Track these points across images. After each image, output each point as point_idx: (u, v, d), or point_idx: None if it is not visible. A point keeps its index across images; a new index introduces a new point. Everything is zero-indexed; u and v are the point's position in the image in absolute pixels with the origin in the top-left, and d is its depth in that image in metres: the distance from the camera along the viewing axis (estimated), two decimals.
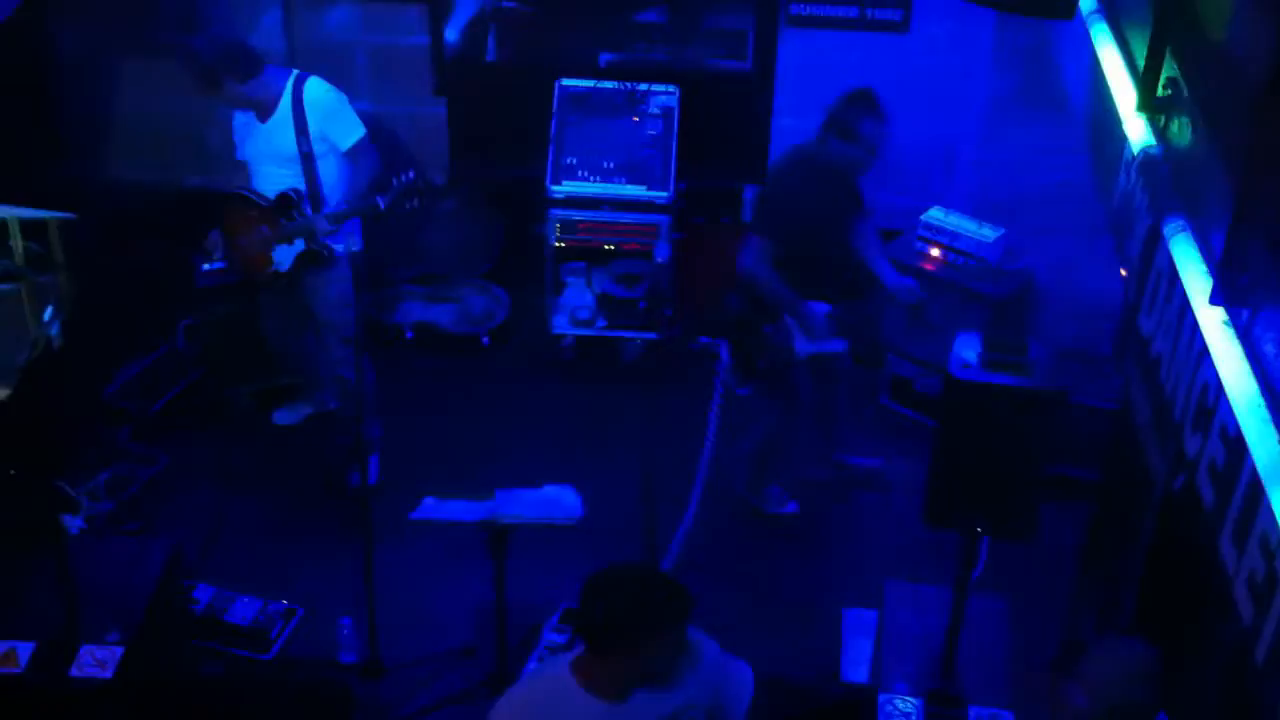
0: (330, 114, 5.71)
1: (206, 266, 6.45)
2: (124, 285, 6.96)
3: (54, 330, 5.98)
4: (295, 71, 5.77)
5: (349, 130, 5.75)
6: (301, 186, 5.71)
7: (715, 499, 6.12)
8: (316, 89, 5.72)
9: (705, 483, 5.84)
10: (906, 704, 4.32)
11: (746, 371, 5.77)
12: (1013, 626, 4.64)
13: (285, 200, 5.70)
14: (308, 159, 5.68)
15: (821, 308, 5.65)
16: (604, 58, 7.18)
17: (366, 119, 5.90)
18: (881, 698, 4.34)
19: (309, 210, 5.70)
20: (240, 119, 5.86)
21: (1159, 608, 4.38)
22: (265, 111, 5.70)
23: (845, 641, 5.31)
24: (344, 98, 5.82)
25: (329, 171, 5.75)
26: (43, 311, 5.93)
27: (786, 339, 5.66)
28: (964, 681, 4.37)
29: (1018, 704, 4.28)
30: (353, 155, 5.76)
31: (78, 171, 7.35)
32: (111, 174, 7.51)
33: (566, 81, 6.97)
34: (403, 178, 5.51)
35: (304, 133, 5.66)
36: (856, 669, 5.14)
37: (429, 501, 4.82)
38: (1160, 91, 4.48)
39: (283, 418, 6.68)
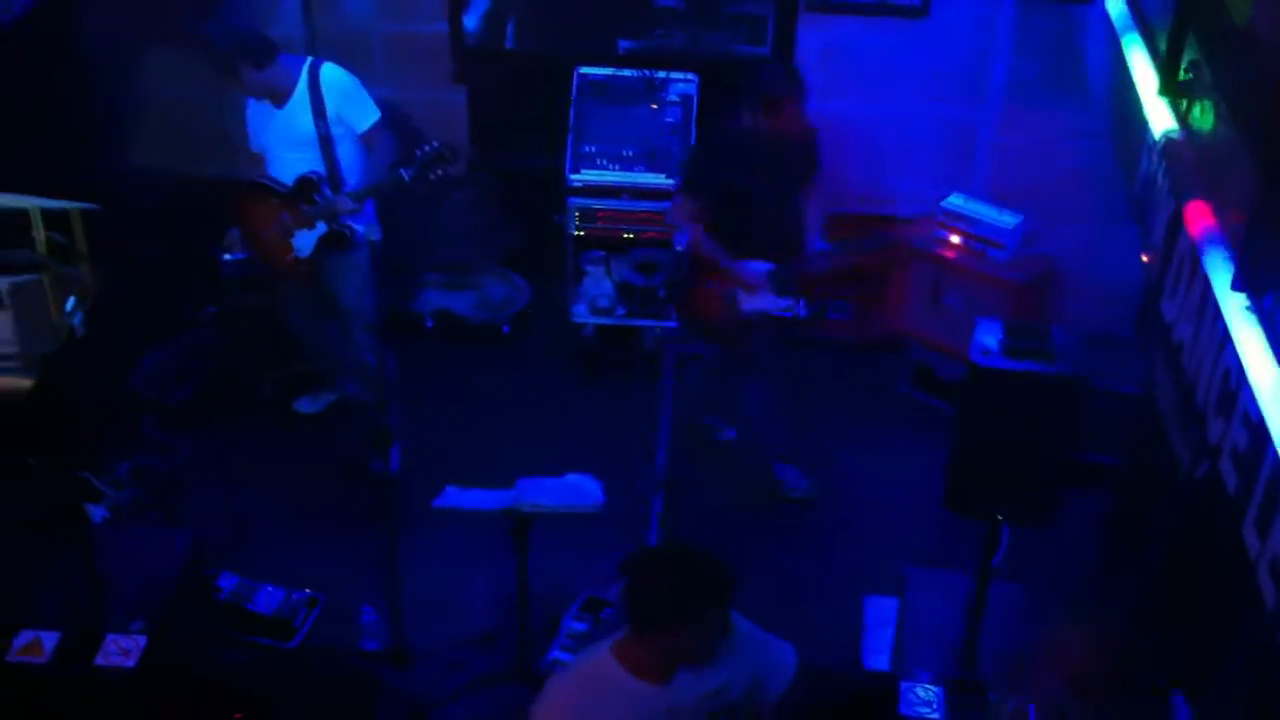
0: (347, 96, 5.75)
1: (230, 256, 6.47)
2: (148, 275, 6.98)
3: (77, 320, 6.00)
4: (310, 58, 5.81)
5: (365, 113, 5.79)
6: (321, 169, 5.73)
7: (731, 485, 6.15)
8: (333, 72, 5.77)
9: (669, 447, 5.96)
10: (928, 691, 4.32)
11: (699, 330, 5.92)
12: (1033, 613, 4.64)
13: (306, 184, 5.72)
14: (326, 141, 5.71)
15: (760, 266, 5.73)
16: (623, 45, 7.17)
17: (383, 106, 5.92)
18: (903, 685, 4.35)
19: (329, 192, 5.72)
20: (254, 107, 5.89)
21: (1182, 593, 4.36)
22: (281, 97, 5.72)
23: (866, 629, 5.31)
24: (358, 81, 5.85)
25: (348, 153, 5.78)
26: (65, 301, 5.95)
27: (731, 296, 5.76)
28: (984, 668, 4.38)
29: (1037, 690, 4.28)
30: (369, 138, 5.79)
31: (101, 162, 7.37)
32: (135, 164, 7.53)
33: (585, 69, 6.96)
34: (426, 148, 5.54)
35: (321, 115, 5.69)
36: (878, 656, 5.14)
37: (451, 490, 4.83)
38: (1182, 75, 4.45)
39: (305, 406, 6.71)
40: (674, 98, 6.94)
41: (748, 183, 5.68)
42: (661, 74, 6.95)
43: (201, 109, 7.22)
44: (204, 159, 7.40)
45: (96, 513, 5.86)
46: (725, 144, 5.79)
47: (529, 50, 7.45)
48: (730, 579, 3.38)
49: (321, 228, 5.77)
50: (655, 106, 6.92)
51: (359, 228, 5.85)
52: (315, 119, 5.71)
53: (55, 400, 5.60)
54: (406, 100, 7.27)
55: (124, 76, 7.43)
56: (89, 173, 7.02)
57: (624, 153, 6.83)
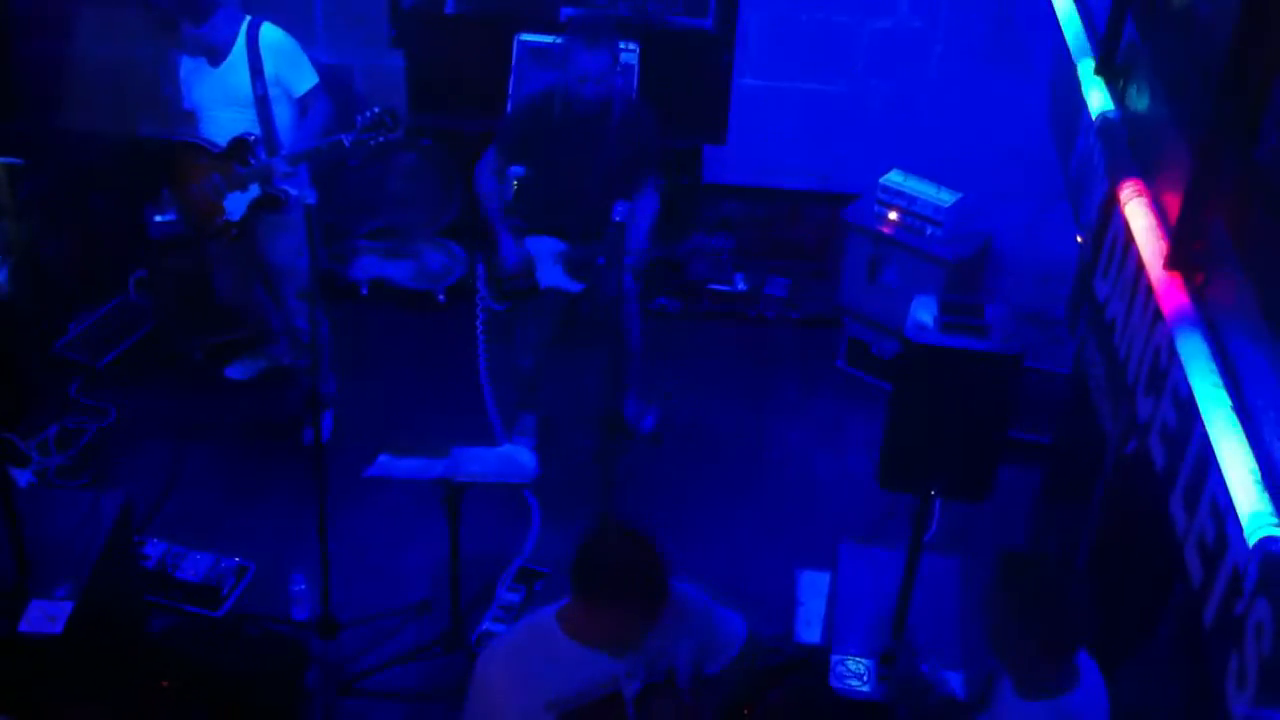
0: (285, 57, 5.66)
1: (159, 218, 6.37)
2: (76, 236, 6.86)
3: (2, 277, 5.89)
4: (249, 16, 5.69)
5: (304, 75, 5.70)
6: (256, 131, 5.64)
7: (674, 464, 6.15)
8: (272, 32, 5.67)
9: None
10: (858, 664, 4.35)
11: (496, 290, 5.76)
12: (965, 587, 4.68)
13: (240, 145, 5.63)
14: (262, 102, 5.62)
15: (551, 244, 5.60)
16: (564, 12, 7.11)
17: (322, 70, 5.84)
18: (833, 658, 4.38)
19: (264, 154, 5.64)
20: (188, 64, 5.76)
21: (1110, 570, 4.42)
22: (217, 55, 5.62)
23: (799, 602, 5.34)
24: (298, 44, 5.76)
25: (284, 115, 5.70)
26: None
27: (527, 264, 5.66)
28: (915, 641, 4.41)
29: (968, 663, 4.33)
30: (306, 101, 5.71)
31: (30, 120, 7.24)
32: (64, 123, 7.40)
33: (525, 36, 6.91)
34: (368, 114, 5.46)
35: (259, 75, 5.59)
36: (810, 630, 5.17)
37: (384, 459, 4.81)
38: (1120, 55, 4.49)
39: (236, 372, 6.62)
40: None
41: (552, 153, 5.56)
42: None
43: (137, 67, 7.11)
44: (137, 119, 7.29)
45: (22, 477, 5.77)
46: (539, 108, 5.63)
47: (469, 15, 7.37)
48: (664, 578, 3.42)
49: (254, 191, 5.69)
50: None
51: (293, 191, 5.76)
52: (252, 79, 5.61)
53: None
54: (345, 64, 7.19)
55: (58, 33, 7.30)
56: (18, 131, 6.90)
57: None
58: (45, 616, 4.36)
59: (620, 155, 5.58)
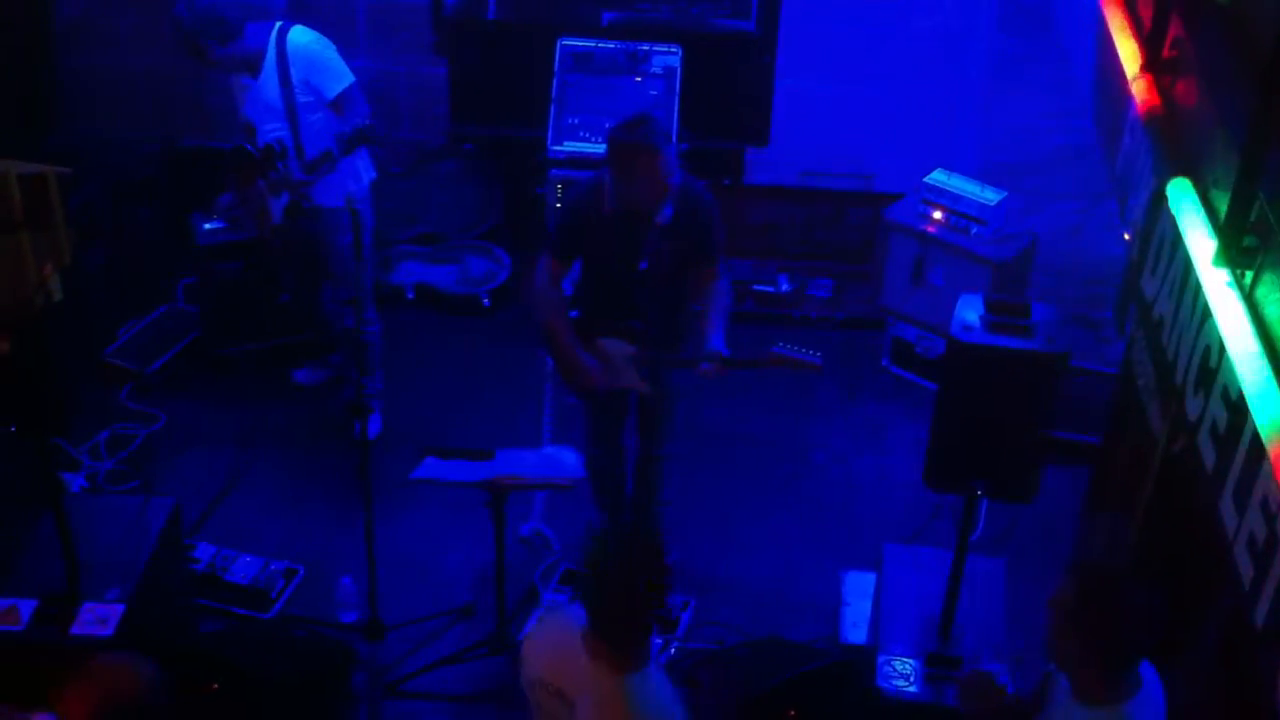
0: (312, 62, 5.60)
1: (207, 225, 6.43)
2: (122, 245, 6.93)
3: (53, 286, 5.95)
4: (279, 23, 5.64)
5: (333, 79, 5.63)
6: (288, 138, 5.67)
7: (719, 468, 6.14)
8: (300, 36, 5.60)
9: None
10: (904, 665, 4.34)
11: (569, 384, 5.30)
12: (1011, 588, 4.66)
13: (269, 152, 5.62)
14: (291, 110, 5.60)
15: (620, 347, 5.03)
16: (606, 16, 7.12)
17: (365, 77, 5.84)
18: (880, 659, 4.37)
19: (294, 162, 5.63)
20: (237, 80, 5.79)
21: (1157, 570, 4.38)
22: (255, 69, 5.62)
23: (845, 603, 5.33)
24: (329, 44, 5.68)
25: (314, 122, 5.65)
26: (41, 267, 5.90)
27: (600, 367, 5.11)
28: (961, 642, 4.39)
29: (1014, 664, 4.30)
30: (339, 104, 5.64)
31: (79, 130, 7.33)
32: (108, 133, 7.48)
33: (568, 40, 6.92)
34: (349, 129, 5.48)
35: (287, 84, 5.57)
36: (856, 630, 5.16)
37: (430, 461, 4.83)
38: (1165, 52, 4.46)
39: (303, 377, 6.62)
40: (657, 70, 6.89)
41: (605, 248, 4.97)
42: (644, 46, 6.91)
43: (176, 77, 7.18)
44: (184, 128, 7.37)
45: (73, 482, 5.84)
46: (587, 202, 5.01)
47: (510, 21, 7.40)
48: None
49: (285, 198, 5.71)
50: (638, 79, 6.88)
51: (317, 201, 5.72)
52: (281, 88, 5.59)
53: (31, 367, 5.56)
54: (388, 70, 7.23)
55: (99, 44, 7.38)
56: (68, 141, 6.99)
57: (607, 125, 6.72)
58: (96, 619, 4.42)
59: (678, 247, 4.94)
